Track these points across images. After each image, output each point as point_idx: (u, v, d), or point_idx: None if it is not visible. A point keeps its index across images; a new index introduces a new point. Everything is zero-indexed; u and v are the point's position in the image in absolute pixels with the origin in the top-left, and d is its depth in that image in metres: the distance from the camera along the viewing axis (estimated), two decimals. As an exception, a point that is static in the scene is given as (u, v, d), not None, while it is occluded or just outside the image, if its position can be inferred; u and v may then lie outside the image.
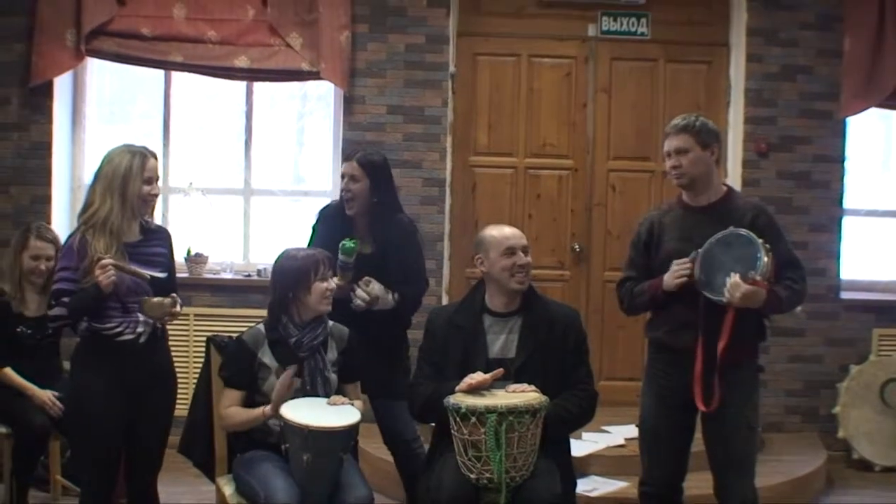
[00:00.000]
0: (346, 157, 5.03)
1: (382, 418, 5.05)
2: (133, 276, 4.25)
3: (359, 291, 4.82)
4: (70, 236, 4.38)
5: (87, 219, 4.28)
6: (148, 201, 4.38)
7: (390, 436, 5.10)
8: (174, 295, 4.38)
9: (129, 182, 4.26)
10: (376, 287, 4.85)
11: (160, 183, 4.56)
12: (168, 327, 4.54)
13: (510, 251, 4.37)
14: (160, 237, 4.55)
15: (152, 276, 4.33)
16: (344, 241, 4.82)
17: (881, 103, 7.09)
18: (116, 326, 4.29)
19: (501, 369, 4.22)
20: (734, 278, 4.19)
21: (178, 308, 4.37)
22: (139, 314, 4.32)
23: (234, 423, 4.38)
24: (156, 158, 4.41)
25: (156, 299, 4.30)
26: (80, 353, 4.41)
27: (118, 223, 4.25)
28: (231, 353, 4.51)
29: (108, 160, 4.34)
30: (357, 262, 4.86)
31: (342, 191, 4.99)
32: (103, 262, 4.12)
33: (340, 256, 4.79)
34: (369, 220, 5.00)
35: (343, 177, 4.96)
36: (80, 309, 4.23)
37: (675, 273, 4.36)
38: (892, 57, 6.93)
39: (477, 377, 4.16)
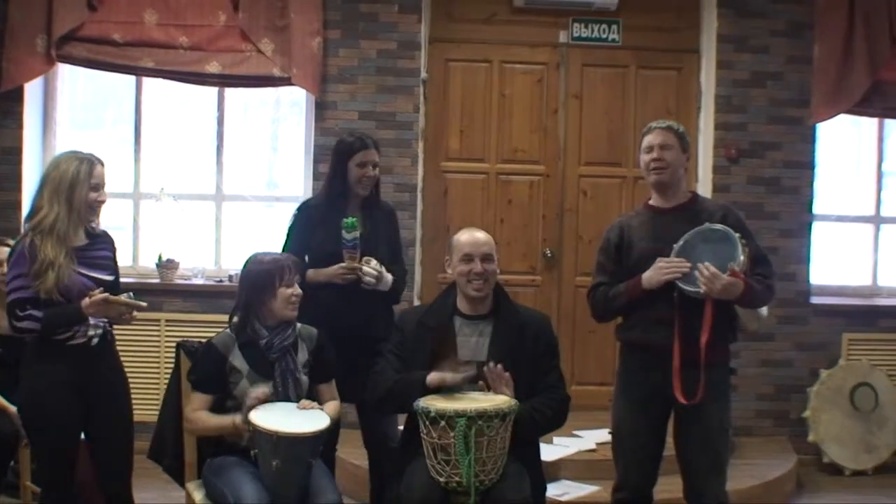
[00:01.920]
0: (361, 146, 5.00)
1: (367, 420, 5.04)
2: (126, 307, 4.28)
3: (366, 268, 4.84)
4: (18, 242, 4.36)
5: (35, 224, 4.27)
6: (94, 207, 4.37)
7: (374, 438, 5.06)
8: (131, 293, 4.38)
9: (76, 189, 4.27)
10: (375, 263, 4.89)
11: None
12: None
13: (467, 258, 4.38)
14: (105, 241, 4.55)
15: (100, 279, 4.36)
16: (344, 220, 4.84)
17: (850, 110, 7.16)
18: (67, 330, 4.29)
19: (474, 370, 4.24)
20: (712, 269, 4.21)
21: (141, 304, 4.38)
22: (90, 318, 4.31)
23: (201, 428, 4.37)
24: (103, 165, 4.41)
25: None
26: (31, 357, 4.37)
27: (65, 229, 4.25)
28: (200, 356, 4.50)
29: (55, 166, 4.34)
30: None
31: (364, 178, 4.99)
32: (98, 297, 4.16)
33: (344, 235, 4.82)
34: (361, 200, 5.05)
35: (364, 165, 4.98)
36: (54, 326, 4.25)
37: (668, 270, 4.33)
38: (861, 64, 7.00)
39: (450, 377, 4.17)
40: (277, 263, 4.45)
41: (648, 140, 4.58)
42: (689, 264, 4.31)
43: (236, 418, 4.23)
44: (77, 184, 4.27)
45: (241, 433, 4.24)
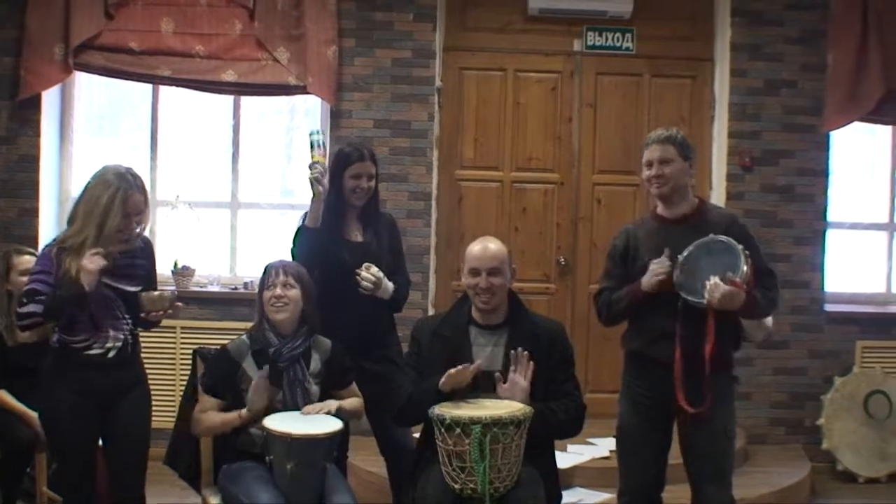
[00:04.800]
0: (356, 158, 4.95)
1: (379, 428, 5.05)
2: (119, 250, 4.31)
3: (363, 274, 4.83)
4: (47, 246, 4.38)
5: (64, 239, 4.29)
6: (125, 232, 4.32)
7: (388, 445, 5.07)
8: (174, 291, 4.42)
9: (108, 216, 4.23)
10: (376, 270, 4.87)
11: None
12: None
13: (474, 272, 4.37)
14: (142, 251, 4.51)
15: (126, 290, 4.38)
16: (311, 130, 5.03)
17: (864, 117, 7.16)
18: (85, 340, 4.31)
19: (480, 361, 4.26)
20: (714, 280, 4.22)
21: (179, 303, 4.42)
22: (110, 330, 4.35)
23: (207, 426, 4.40)
24: (143, 193, 4.35)
25: (156, 293, 4.37)
26: (50, 367, 4.40)
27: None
28: (213, 361, 4.55)
29: (97, 180, 4.32)
30: (352, 251, 4.92)
31: (357, 189, 4.94)
32: (92, 251, 4.16)
33: (313, 138, 4.97)
34: (359, 211, 5.05)
35: (358, 177, 4.93)
36: (56, 308, 4.21)
37: (654, 272, 4.38)
38: (874, 72, 7.00)
39: (454, 371, 4.17)
40: (266, 270, 4.53)
41: (647, 155, 4.55)
42: (668, 263, 4.34)
43: (242, 411, 4.29)
44: (110, 212, 4.23)
45: (253, 431, 4.31)
